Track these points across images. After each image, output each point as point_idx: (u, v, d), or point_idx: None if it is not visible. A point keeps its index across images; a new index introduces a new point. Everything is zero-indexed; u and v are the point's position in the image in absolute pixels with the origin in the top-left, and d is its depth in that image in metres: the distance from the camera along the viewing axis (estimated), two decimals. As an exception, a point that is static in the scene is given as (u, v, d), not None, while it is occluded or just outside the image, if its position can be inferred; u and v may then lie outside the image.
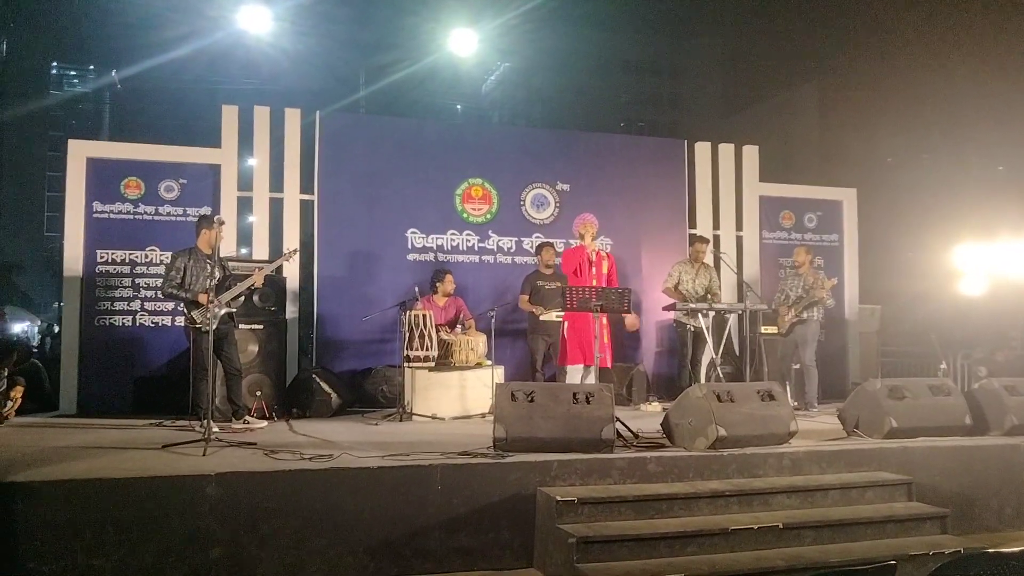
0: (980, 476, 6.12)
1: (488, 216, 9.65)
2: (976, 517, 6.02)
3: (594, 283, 7.74)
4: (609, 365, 7.53)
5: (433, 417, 7.61)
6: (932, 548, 4.90)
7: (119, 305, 8.47)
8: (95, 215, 8.49)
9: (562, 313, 7.96)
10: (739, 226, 10.57)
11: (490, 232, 9.63)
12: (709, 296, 8.89)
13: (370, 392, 8.53)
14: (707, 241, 9.36)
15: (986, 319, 10.86)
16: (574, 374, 7.60)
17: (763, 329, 9.11)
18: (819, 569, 4.22)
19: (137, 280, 8.52)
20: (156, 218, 8.64)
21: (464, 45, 12.41)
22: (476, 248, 9.57)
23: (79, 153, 8.49)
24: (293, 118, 9.13)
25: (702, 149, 10.55)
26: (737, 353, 9.23)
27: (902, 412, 6.37)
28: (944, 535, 5.33)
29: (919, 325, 11.41)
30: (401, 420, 7.49)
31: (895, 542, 5.11)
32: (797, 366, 8.89)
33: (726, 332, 8.55)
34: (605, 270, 7.66)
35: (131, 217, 8.59)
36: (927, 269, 12.73)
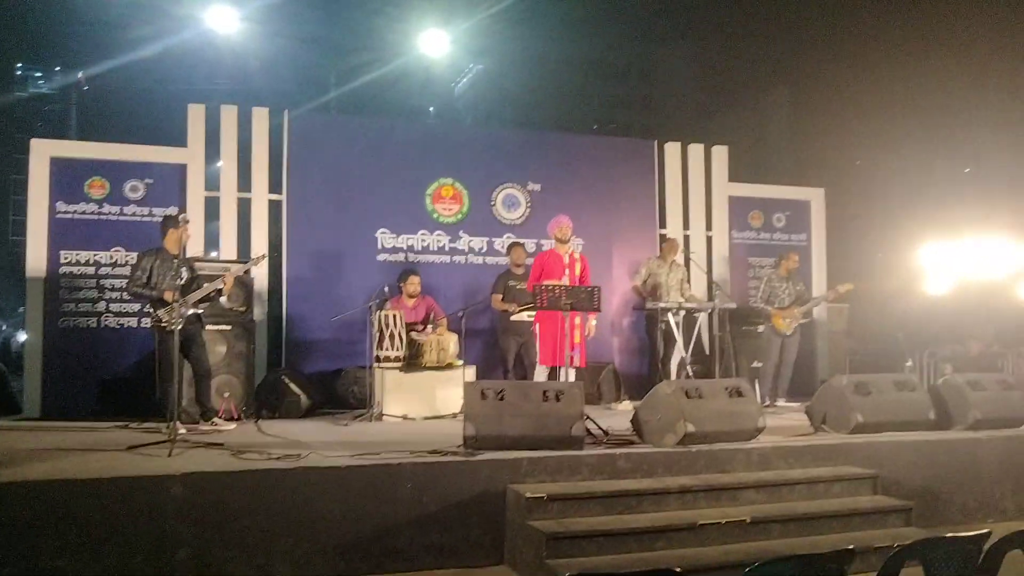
0: (944, 470, 6.21)
1: (459, 216, 9.64)
2: (940, 510, 6.10)
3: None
4: (582, 364, 7.51)
5: (404, 417, 7.58)
6: (896, 540, 4.94)
7: (84, 307, 8.36)
8: (58, 215, 8.36)
9: (533, 313, 7.95)
10: (709, 226, 10.64)
11: (461, 232, 9.62)
12: (683, 295, 9.01)
13: (340, 393, 8.48)
14: (678, 241, 9.52)
15: (951, 317, 11.01)
16: (540, 375, 7.57)
17: (759, 328, 9.23)
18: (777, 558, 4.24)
19: (102, 281, 8.41)
20: (121, 218, 8.53)
21: (436, 46, 12.39)
22: (447, 248, 9.56)
23: (42, 152, 8.37)
24: (261, 118, 9.07)
25: (672, 149, 10.61)
26: (707, 352, 9.30)
27: (868, 407, 6.45)
28: (908, 528, 5.40)
29: (886, 323, 11.55)
30: (371, 421, 7.47)
31: (860, 535, 5.17)
32: (759, 365, 9.06)
33: (696, 330, 8.62)
34: (578, 272, 7.65)
35: (96, 217, 8.47)
36: (894, 269, 12.90)
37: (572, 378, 7.18)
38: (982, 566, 2.39)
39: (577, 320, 7.27)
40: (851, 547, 2.34)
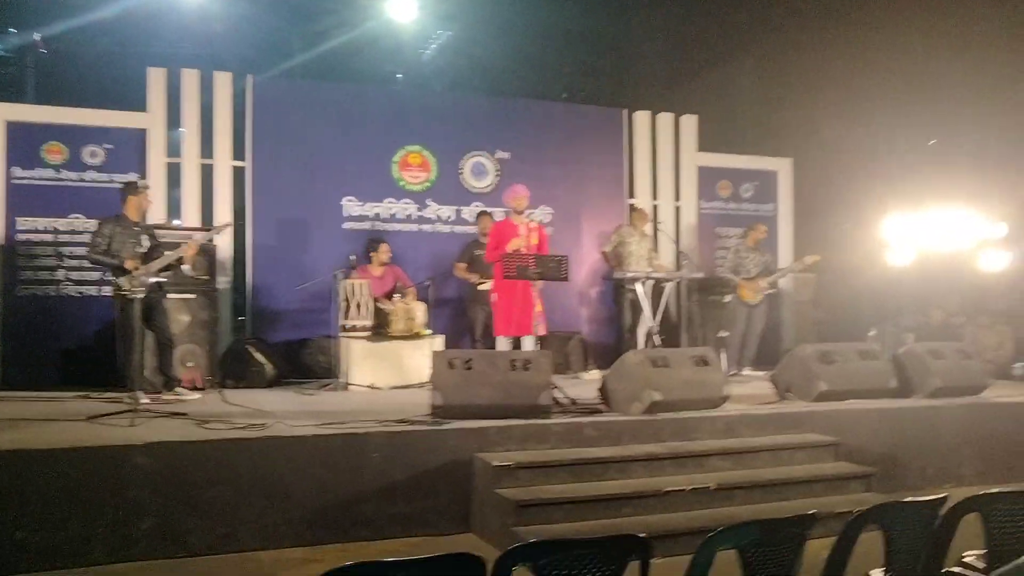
0: (904, 437, 6.33)
1: (426, 184, 9.55)
2: (900, 476, 6.22)
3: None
4: (543, 333, 7.46)
5: (371, 387, 7.55)
6: (857, 506, 5.02)
7: (42, 275, 8.18)
8: (14, 181, 8.14)
9: (488, 284, 7.88)
10: (677, 196, 10.66)
11: (428, 200, 9.54)
12: (652, 263, 9.04)
13: (306, 362, 8.41)
14: (647, 213, 9.54)
15: (914, 287, 11.16)
16: (503, 345, 7.53)
17: (726, 298, 9.31)
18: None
19: (61, 249, 8.23)
20: (80, 184, 8.33)
21: (404, 12, 12.21)
22: (414, 217, 9.47)
23: (-3, 116, 8.15)
24: (223, 82, 8.88)
25: (642, 118, 10.58)
26: (674, 321, 9.36)
27: (831, 376, 6.54)
28: (869, 493, 5.51)
29: (851, 294, 11.68)
30: (338, 390, 7.42)
31: (822, 500, 5.25)
32: (725, 334, 9.14)
33: (663, 300, 8.65)
34: (535, 242, 7.58)
35: (54, 183, 8.27)
36: (860, 239, 13.02)
37: (531, 347, 7.19)
38: (939, 529, 2.43)
39: (534, 289, 7.22)
40: (813, 512, 2.37)
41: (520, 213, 7.59)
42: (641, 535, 2.14)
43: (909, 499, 2.48)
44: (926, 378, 6.81)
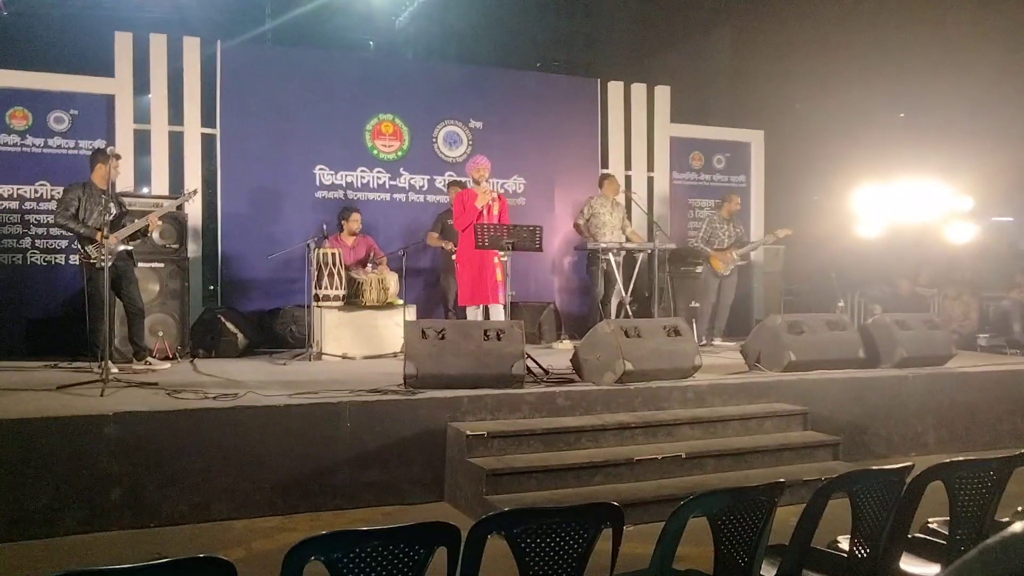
0: (871, 406, 6.44)
1: (399, 153, 9.47)
2: (866, 444, 6.35)
3: None
4: (502, 303, 7.47)
5: (343, 357, 7.53)
6: (823, 474, 5.13)
7: (7, 243, 8.03)
8: (-22, 147, 7.98)
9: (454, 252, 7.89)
10: (650, 167, 10.67)
11: (401, 169, 9.47)
12: (625, 232, 9.06)
13: (278, 332, 8.36)
14: (617, 181, 9.50)
15: (882, 259, 11.31)
16: (473, 314, 7.54)
17: (698, 268, 9.37)
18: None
19: (27, 216, 8.08)
20: (45, 151, 8.17)
21: (375, -24, 12.04)
22: (387, 186, 9.40)
23: (-42, 81, 7.95)
24: (192, 47, 8.72)
25: (615, 89, 10.55)
26: (646, 292, 9.42)
27: (800, 346, 6.62)
28: (836, 461, 5.62)
29: (820, 265, 11.81)
30: (310, 360, 7.40)
31: (790, 468, 5.35)
32: (696, 305, 9.23)
33: (635, 270, 8.70)
34: (496, 211, 7.58)
35: (18, 150, 8.10)
36: (830, 211, 13.14)
37: (499, 317, 7.20)
38: (905, 497, 2.48)
39: (496, 259, 7.24)
40: (781, 480, 2.41)
41: (479, 184, 7.56)
42: (614, 503, 2.17)
43: (876, 467, 2.53)
44: (893, 348, 6.91)
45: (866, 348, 6.90)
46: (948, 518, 2.66)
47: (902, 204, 11.28)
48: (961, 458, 2.67)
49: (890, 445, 6.49)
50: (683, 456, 5.21)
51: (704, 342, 8.75)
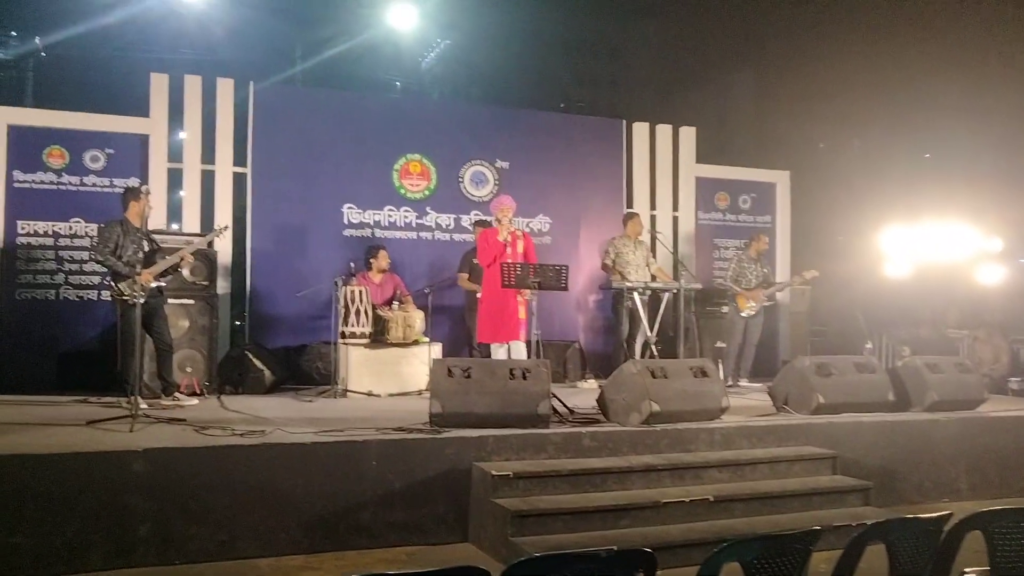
0: (902, 450, 6.34)
1: (426, 192, 9.56)
2: (897, 490, 6.24)
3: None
4: (523, 339, 7.47)
5: (369, 394, 7.55)
6: (855, 519, 5.06)
7: (41, 278, 8.17)
8: (16, 184, 8.14)
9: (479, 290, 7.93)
10: (675, 206, 10.69)
11: (428, 208, 9.55)
12: (650, 269, 9.07)
13: (304, 369, 8.41)
14: (640, 217, 9.52)
15: (910, 300, 11.21)
16: (497, 352, 7.55)
17: (724, 308, 9.34)
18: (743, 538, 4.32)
19: (61, 253, 8.22)
20: (81, 189, 8.33)
21: (404, 20, 12.25)
22: (414, 224, 9.49)
23: (-1, 119, 8.16)
24: (226, 88, 8.90)
25: (640, 129, 10.62)
26: (671, 332, 9.38)
27: (829, 388, 6.55)
28: (867, 507, 5.52)
29: (847, 305, 11.72)
30: (336, 397, 7.42)
31: (820, 514, 5.27)
32: (722, 345, 9.17)
33: (661, 310, 8.67)
34: (520, 249, 7.61)
35: (54, 187, 8.27)
36: (855, 251, 13.08)
37: (521, 355, 7.20)
38: (943, 546, 2.44)
39: (520, 297, 7.28)
40: (817, 527, 2.38)
41: (500, 222, 7.60)
42: (647, 549, 2.15)
43: (913, 516, 2.49)
44: (923, 392, 6.82)
45: (896, 391, 6.82)
46: (988, 568, 2.61)
47: (930, 245, 11.21)
48: (1000, 507, 2.62)
49: (921, 491, 6.37)
50: (711, 499, 5.14)
51: (730, 383, 8.68)
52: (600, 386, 6.75)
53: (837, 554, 2.45)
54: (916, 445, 6.41)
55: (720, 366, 8.48)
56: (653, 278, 8.95)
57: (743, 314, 9.02)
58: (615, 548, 2.15)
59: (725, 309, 9.44)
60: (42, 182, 8.24)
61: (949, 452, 6.51)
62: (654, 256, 9.48)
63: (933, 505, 6.20)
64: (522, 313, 7.29)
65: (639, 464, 5.39)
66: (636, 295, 8.43)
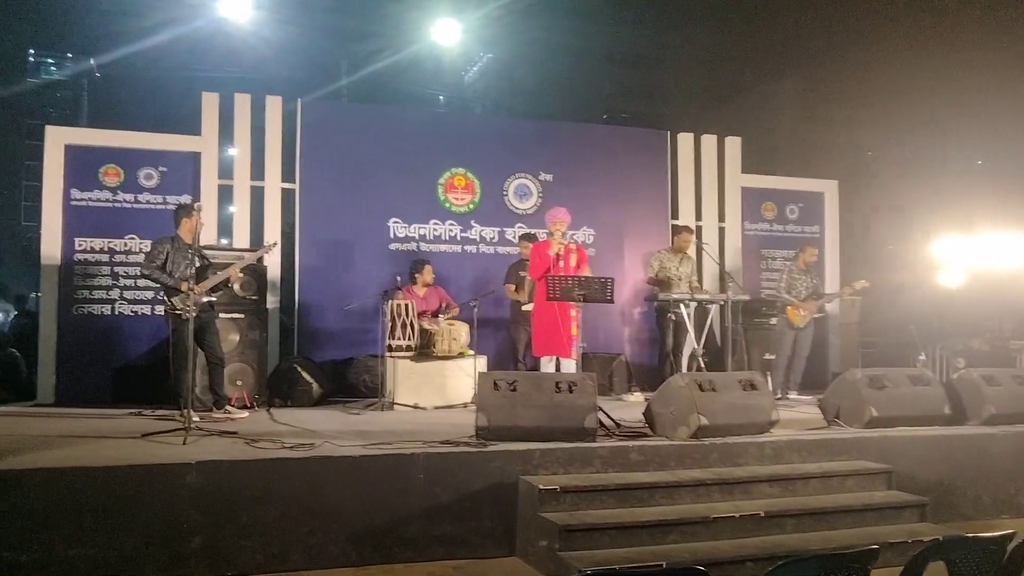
0: (958, 465, 6.18)
1: (471, 206, 9.62)
2: (954, 505, 6.08)
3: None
4: (574, 357, 7.45)
5: (415, 407, 7.59)
6: (911, 536, 4.95)
7: (98, 294, 8.38)
8: (73, 202, 8.38)
9: (531, 305, 7.94)
10: (721, 217, 10.60)
11: (472, 222, 9.60)
12: (691, 285, 8.99)
13: (352, 382, 8.49)
14: (692, 231, 9.45)
15: (964, 310, 10.96)
16: (547, 365, 7.54)
17: (772, 320, 9.24)
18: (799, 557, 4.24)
19: (116, 268, 8.43)
20: (135, 206, 8.54)
21: (447, 35, 12.36)
22: (458, 238, 9.54)
23: (57, 140, 8.39)
24: (274, 106, 9.06)
25: (685, 140, 10.56)
26: (719, 343, 9.28)
27: (882, 401, 6.42)
28: (923, 523, 5.39)
29: (898, 316, 11.50)
30: (383, 410, 7.47)
31: (874, 530, 5.15)
32: (771, 357, 9.04)
33: (708, 322, 8.59)
34: (573, 263, 7.59)
35: (110, 205, 8.49)
36: (907, 261, 12.85)
37: (572, 369, 7.18)
38: (1006, 566, 2.38)
39: (572, 312, 7.25)
40: (875, 546, 2.33)
41: (554, 235, 7.60)
42: (700, 568, 2.13)
43: (975, 534, 2.43)
44: (981, 405, 6.66)
45: (952, 404, 6.66)
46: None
47: (984, 253, 10.97)
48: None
49: (979, 506, 6.20)
50: (762, 515, 5.06)
51: (779, 395, 8.56)
52: (646, 399, 6.70)
53: (894, 572, 2.40)
54: (973, 460, 6.25)
55: (768, 378, 8.36)
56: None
57: (796, 326, 8.89)
58: (663, 564, 2.13)
59: (773, 321, 9.32)
60: (98, 200, 8.46)
61: (1008, 467, 6.33)
62: (699, 267, 9.39)
63: (991, 521, 6.02)
64: (574, 329, 7.27)
65: (687, 479, 5.33)
66: (682, 307, 8.37)
